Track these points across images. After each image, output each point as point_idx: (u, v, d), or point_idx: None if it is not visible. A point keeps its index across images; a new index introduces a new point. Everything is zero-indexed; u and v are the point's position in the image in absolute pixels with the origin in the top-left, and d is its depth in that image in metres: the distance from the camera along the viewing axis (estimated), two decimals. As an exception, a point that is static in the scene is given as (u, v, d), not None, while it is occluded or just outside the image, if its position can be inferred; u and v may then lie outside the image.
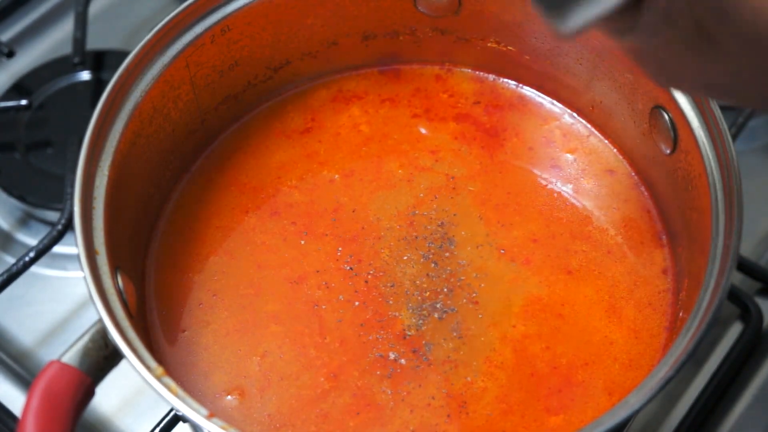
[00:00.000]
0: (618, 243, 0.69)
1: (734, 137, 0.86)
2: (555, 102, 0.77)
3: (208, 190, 0.73)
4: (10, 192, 0.88)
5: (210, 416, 0.53)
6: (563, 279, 0.67)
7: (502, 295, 0.67)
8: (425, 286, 0.67)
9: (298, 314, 0.66)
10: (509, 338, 0.65)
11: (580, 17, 0.43)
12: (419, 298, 0.67)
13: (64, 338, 0.82)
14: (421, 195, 0.72)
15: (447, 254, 0.69)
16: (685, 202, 0.65)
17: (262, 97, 0.77)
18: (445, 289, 0.67)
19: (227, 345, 0.65)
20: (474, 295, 0.67)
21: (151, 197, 0.70)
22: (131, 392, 0.79)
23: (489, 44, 0.76)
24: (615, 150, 0.74)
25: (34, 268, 0.84)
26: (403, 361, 0.64)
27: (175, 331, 0.66)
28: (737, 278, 0.82)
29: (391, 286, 0.67)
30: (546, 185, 0.72)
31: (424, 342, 0.65)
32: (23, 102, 0.92)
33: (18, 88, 0.94)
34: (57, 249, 0.83)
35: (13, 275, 0.80)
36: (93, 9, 0.99)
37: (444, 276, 0.67)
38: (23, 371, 0.81)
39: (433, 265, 0.68)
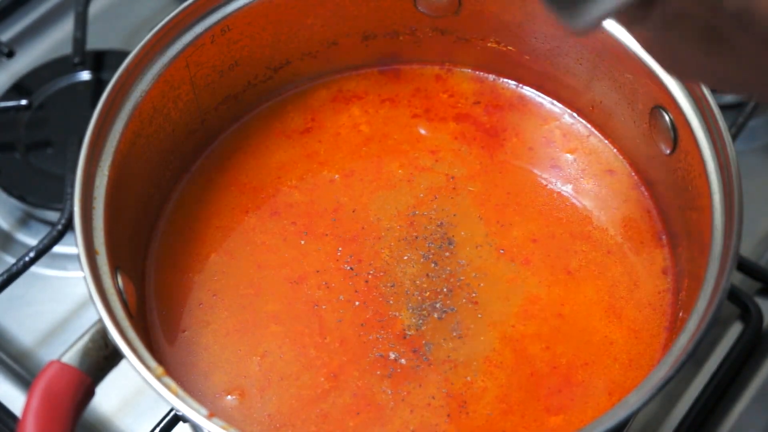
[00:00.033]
0: (618, 243, 0.69)
1: (734, 137, 0.86)
2: (555, 102, 0.77)
3: (208, 190, 0.73)
4: (10, 192, 0.88)
5: (210, 416, 0.53)
6: (563, 279, 0.67)
7: (502, 295, 0.67)
8: (425, 286, 0.67)
9: (298, 314, 0.66)
10: (509, 338, 0.65)
11: (593, 12, 0.43)
12: (419, 298, 0.67)
13: (64, 338, 0.82)
14: (421, 195, 0.72)
15: (447, 254, 0.68)
16: (685, 202, 0.65)
17: (262, 97, 0.77)
18: (445, 289, 0.67)
19: (227, 345, 0.65)
20: (474, 295, 0.67)
21: (151, 197, 0.70)
22: (131, 392, 0.79)
23: (489, 44, 0.76)
24: (615, 150, 0.74)
25: (34, 268, 0.84)
26: (403, 361, 0.64)
27: (175, 331, 0.66)
28: (737, 278, 0.82)
29: (391, 286, 0.67)
30: (546, 185, 0.72)
31: (424, 342, 0.65)
32: (23, 102, 0.92)
33: (18, 88, 0.94)
34: (57, 249, 0.83)
35: (13, 275, 0.80)
36: (93, 9, 0.99)
37: (444, 276, 0.67)
38: (23, 371, 0.81)
39: (433, 265, 0.68)
